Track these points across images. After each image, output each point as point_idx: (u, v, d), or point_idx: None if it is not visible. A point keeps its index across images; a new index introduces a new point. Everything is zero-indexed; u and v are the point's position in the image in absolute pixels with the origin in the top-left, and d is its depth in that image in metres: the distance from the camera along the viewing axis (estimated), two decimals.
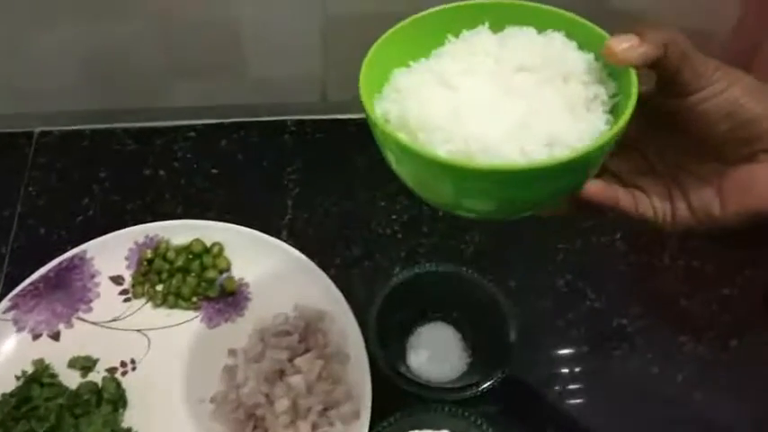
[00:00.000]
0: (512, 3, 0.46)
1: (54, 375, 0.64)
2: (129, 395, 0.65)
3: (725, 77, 0.41)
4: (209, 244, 0.73)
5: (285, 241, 0.72)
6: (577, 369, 0.68)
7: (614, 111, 0.43)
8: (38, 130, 0.84)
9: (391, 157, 0.43)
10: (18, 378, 0.64)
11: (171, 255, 0.72)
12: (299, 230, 0.72)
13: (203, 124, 0.85)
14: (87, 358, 0.66)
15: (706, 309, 0.73)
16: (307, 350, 0.65)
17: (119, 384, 0.65)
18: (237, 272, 0.72)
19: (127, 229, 0.73)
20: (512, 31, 0.46)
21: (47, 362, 0.66)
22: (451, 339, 0.67)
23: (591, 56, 0.44)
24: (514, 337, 0.62)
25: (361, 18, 0.69)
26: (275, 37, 0.77)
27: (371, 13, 0.61)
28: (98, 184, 0.80)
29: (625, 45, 0.41)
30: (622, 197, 0.44)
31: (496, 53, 0.45)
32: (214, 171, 0.82)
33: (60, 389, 0.63)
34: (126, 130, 0.84)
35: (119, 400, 0.64)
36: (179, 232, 0.73)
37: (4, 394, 0.63)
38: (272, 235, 0.72)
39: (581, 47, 0.45)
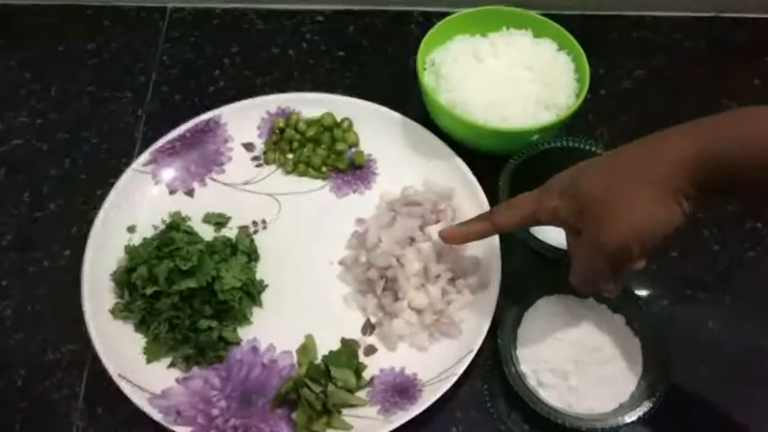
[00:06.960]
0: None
1: (191, 226, 0.67)
2: (261, 251, 0.66)
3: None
4: (339, 119, 0.73)
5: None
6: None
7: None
8: (170, 5, 0.86)
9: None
10: (156, 228, 0.67)
11: (302, 126, 0.72)
12: (426, 115, 0.72)
13: (331, 10, 0.85)
14: (221, 215, 0.68)
15: None
16: (437, 221, 0.65)
17: (252, 240, 0.66)
18: (366, 147, 0.73)
19: (260, 98, 0.74)
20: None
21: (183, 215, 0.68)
22: None
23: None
24: None
25: None
26: None
27: None
28: (229, 58, 0.81)
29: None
30: None
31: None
32: (341, 54, 0.82)
33: (198, 237, 0.65)
34: (256, 11, 0.85)
35: (252, 254, 0.65)
36: (310, 105, 0.74)
37: (145, 238, 0.65)
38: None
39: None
